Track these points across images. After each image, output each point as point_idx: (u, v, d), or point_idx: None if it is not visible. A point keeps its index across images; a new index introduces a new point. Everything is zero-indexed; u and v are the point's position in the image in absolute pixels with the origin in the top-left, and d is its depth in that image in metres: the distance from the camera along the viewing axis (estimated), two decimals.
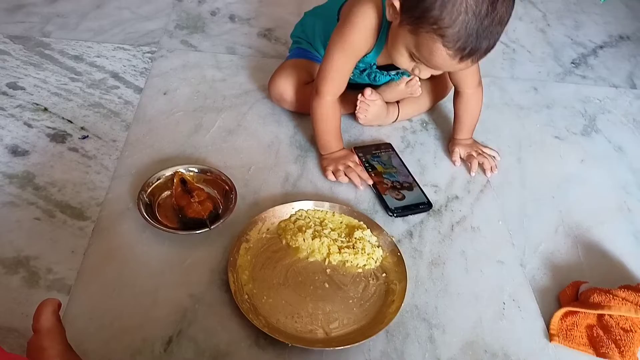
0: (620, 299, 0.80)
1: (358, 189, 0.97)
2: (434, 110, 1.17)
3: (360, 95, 1.03)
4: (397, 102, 1.10)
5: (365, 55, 0.95)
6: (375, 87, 1.07)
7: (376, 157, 1.04)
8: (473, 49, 0.77)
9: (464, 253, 0.91)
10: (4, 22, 1.23)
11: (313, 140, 1.05)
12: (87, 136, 0.99)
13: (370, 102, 1.03)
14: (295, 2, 1.47)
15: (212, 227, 0.85)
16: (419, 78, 0.99)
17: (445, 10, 0.74)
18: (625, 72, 1.43)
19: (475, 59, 0.80)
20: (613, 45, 1.55)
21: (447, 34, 0.75)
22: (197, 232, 0.84)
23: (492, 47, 0.80)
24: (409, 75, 1.04)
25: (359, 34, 0.91)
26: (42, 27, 1.23)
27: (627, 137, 1.21)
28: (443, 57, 0.79)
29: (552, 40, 1.51)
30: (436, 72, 0.87)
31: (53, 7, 1.30)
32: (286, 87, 1.06)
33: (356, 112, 1.05)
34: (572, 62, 1.43)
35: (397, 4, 0.81)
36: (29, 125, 0.99)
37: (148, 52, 1.21)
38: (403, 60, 0.86)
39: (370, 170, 1.01)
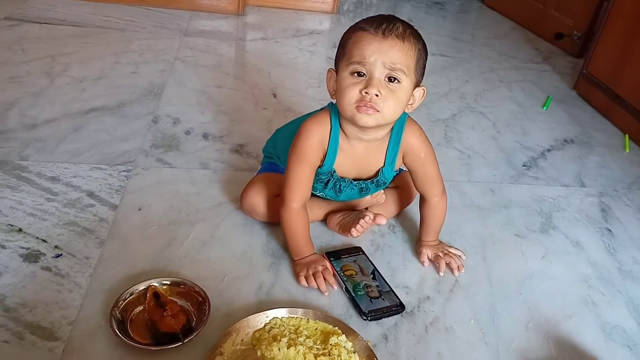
0: None
1: (324, 294, 0.99)
2: (400, 214, 1.23)
3: (362, 220, 1.09)
4: (366, 208, 1.16)
5: (323, 163, 1.02)
6: (341, 201, 1.14)
7: (347, 261, 1.07)
8: (388, 24, 0.89)
9: (439, 355, 0.91)
10: None
11: (285, 247, 1.08)
12: (61, 255, 1.00)
13: (367, 224, 1.10)
14: (265, 120, 1.57)
15: (185, 340, 0.84)
16: (383, 193, 1.11)
17: (357, 22, 0.93)
18: (573, 172, 1.55)
19: (400, 36, 0.89)
20: (559, 148, 1.68)
21: (362, 24, 0.91)
22: (170, 346, 0.83)
23: (414, 34, 0.91)
24: (373, 190, 1.10)
25: (307, 142, 1.00)
26: (21, 151, 1.28)
27: (583, 233, 1.28)
28: (368, 38, 0.89)
29: (503, 146, 1.64)
30: (380, 73, 0.89)
31: (32, 133, 1.36)
32: (257, 200, 1.11)
33: (353, 229, 1.09)
34: (523, 165, 1.55)
35: (332, 70, 0.96)
36: (2, 247, 1.00)
37: (124, 171, 1.26)
38: (349, 90, 0.90)
39: (342, 274, 1.03)
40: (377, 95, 0.89)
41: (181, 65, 1.86)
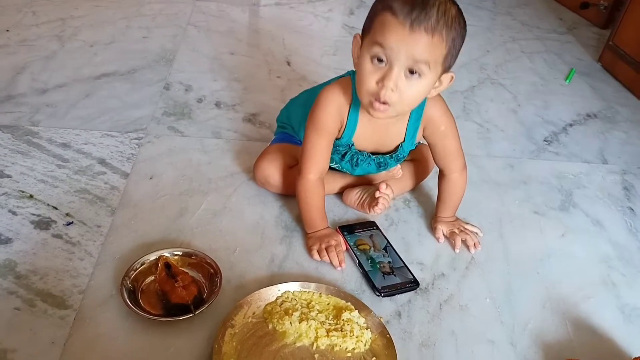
0: None
1: (336, 269, 0.97)
2: (415, 188, 1.20)
3: (377, 192, 1.05)
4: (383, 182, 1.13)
5: (341, 135, 0.99)
6: (356, 176, 1.11)
7: (361, 236, 1.05)
8: (420, 10, 0.79)
9: (453, 333, 0.89)
10: None
11: (298, 220, 1.06)
12: (72, 222, 0.99)
13: (387, 196, 1.05)
14: (278, 89, 1.54)
15: (196, 312, 0.83)
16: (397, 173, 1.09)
17: None
18: (595, 148, 1.50)
19: (430, 29, 0.80)
20: (582, 123, 1.63)
21: (393, 5, 0.81)
22: (181, 318, 0.82)
23: (447, 24, 0.81)
24: (392, 164, 1.07)
25: (326, 113, 0.96)
26: (31, 116, 1.26)
27: (604, 211, 1.25)
28: (395, 26, 0.80)
29: (523, 120, 1.59)
30: (400, 66, 0.83)
31: (43, 98, 1.34)
32: (271, 171, 1.08)
33: (376, 207, 1.06)
34: (544, 140, 1.50)
35: (358, 36, 0.89)
36: (14, 213, 0.99)
37: (135, 139, 1.24)
38: (367, 78, 0.85)
39: (355, 248, 1.01)
40: (392, 90, 0.83)
41: (193, 31, 1.81)
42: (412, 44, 0.80)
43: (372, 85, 0.85)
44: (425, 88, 0.86)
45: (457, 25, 0.83)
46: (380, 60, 0.84)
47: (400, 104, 0.86)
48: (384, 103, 0.85)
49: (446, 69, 0.87)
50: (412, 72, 0.83)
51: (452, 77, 0.91)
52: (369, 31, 0.86)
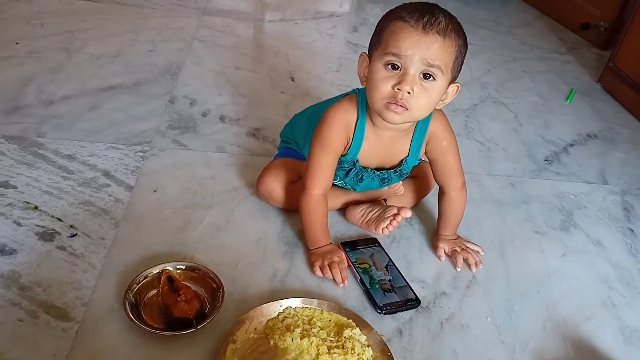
0: None
1: (338, 286, 0.98)
2: (417, 206, 1.21)
3: (393, 217, 1.05)
4: (384, 199, 1.14)
5: (347, 152, 1.00)
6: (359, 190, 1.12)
7: (363, 253, 1.05)
8: (430, 16, 0.84)
9: (454, 352, 0.90)
10: (1, 122, 1.27)
11: (301, 235, 1.07)
12: (76, 234, 0.99)
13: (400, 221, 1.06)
14: (282, 104, 1.55)
15: (198, 326, 0.83)
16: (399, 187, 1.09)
17: (395, 9, 0.88)
18: (596, 169, 1.51)
19: (441, 31, 0.84)
20: (582, 143, 1.64)
21: (402, 14, 0.85)
22: (183, 332, 0.83)
23: (455, 29, 0.86)
24: (395, 180, 1.08)
25: (332, 130, 0.97)
26: (38, 127, 1.27)
27: (604, 232, 1.25)
28: (408, 31, 0.84)
29: (525, 139, 1.60)
30: (415, 69, 0.85)
31: (49, 109, 1.35)
32: (274, 185, 1.09)
33: (388, 228, 1.06)
34: (545, 159, 1.51)
35: (365, 54, 0.92)
36: (18, 224, 0.99)
37: (140, 151, 1.24)
38: (382, 84, 0.87)
39: (357, 265, 1.02)
40: (409, 92, 0.85)
41: (199, 45, 1.84)
42: (425, 47, 0.84)
43: (387, 89, 0.87)
44: (438, 94, 0.89)
45: (462, 34, 0.88)
46: (394, 67, 0.86)
47: (417, 108, 0.88)
48: (401, 106, 0.87)
49: (452, 79, 0.90)
50: (425, 76, 0.86)
51: (457, 88, 0.93)
52: (379, 45, 0.88)
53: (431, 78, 0.86)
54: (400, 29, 0.85)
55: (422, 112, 0.90)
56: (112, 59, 1.65)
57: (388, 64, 0.86)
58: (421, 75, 0.86)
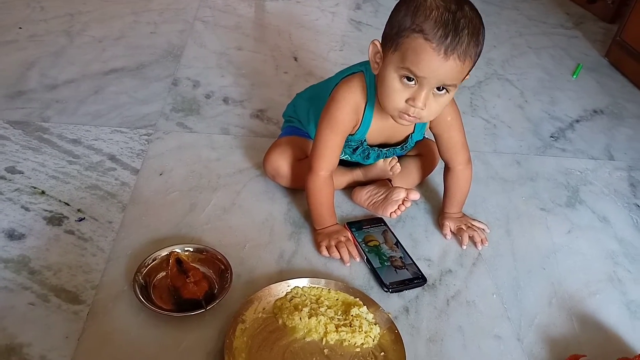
0: None
1: (346, 264, 0.98)
2: (422, 185, 1.21)
3: (404, 200, 1.04)
4: (389, 180, 1.14)
5: (355, 131, 1.00)
6: (363, 166, 1.12)
7: (369, 232, 1.06)
8: (454, 37, 0.80)
9: (460, 328, 0.91)
10: (5, 108, 1.27)
11: (307, 216, 1.07)
12: (84, 218, 1.00)
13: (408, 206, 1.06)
14: (285, 85, 1.54)
15: (207, 307, 0.84)
16: (396, 167, 1.08)
17: (418, 12, 0.82)
18: (602, 145, 1.50)
19: (462, 55, 0.82)
20: (588, 119, 1.63)
21: (425, 28, 0.81)
22: (192, 313, 0.84)
23: (475, 45, 0.83)
24: (398, 153, 1.09)
25: (343, 111, 0.97)
26: (42, 112, 1.28)
27: (610, 208, 1.25)
28: (429, 54, 0.81)
29: (530, 116, 1.59)
30: (430, 87, 0.85)
31: (52, 94, 1.35)
32: (281, 162, 1.09)
33: (394, 212, 1.05)
34: (551, 136, 1.50)
35: (377, 43, 0.89)
36: (26, 209, 1.00)
37: (145, 135, 1.25)
38: (396, 96, 0.87)
39: (363, 245, 1.02)
40: (422, 109, 0.86)
41: (201, 26, 1.82)
42: (444, 72, 0.83)
43: (401, 103, 0.88)
44: (448, 100, 0.90)
45: (482, 37, 0.85)
46: (409, 79, 0.86)
47: (428, 115, 0.90)
48: (414, 116, 0.89)
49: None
50: (439, 89, 0.87)
51: (468, 75, 0.92)
52: (396, 51, 0.85)
53: (444, 90, 0.87)
54: (422, 49, 0.81)
55: (433, 116, 0.92)
56: (114, 42, 1.64)
57: (403, 77, 0.86)
58: (435, 89, 0.86)
